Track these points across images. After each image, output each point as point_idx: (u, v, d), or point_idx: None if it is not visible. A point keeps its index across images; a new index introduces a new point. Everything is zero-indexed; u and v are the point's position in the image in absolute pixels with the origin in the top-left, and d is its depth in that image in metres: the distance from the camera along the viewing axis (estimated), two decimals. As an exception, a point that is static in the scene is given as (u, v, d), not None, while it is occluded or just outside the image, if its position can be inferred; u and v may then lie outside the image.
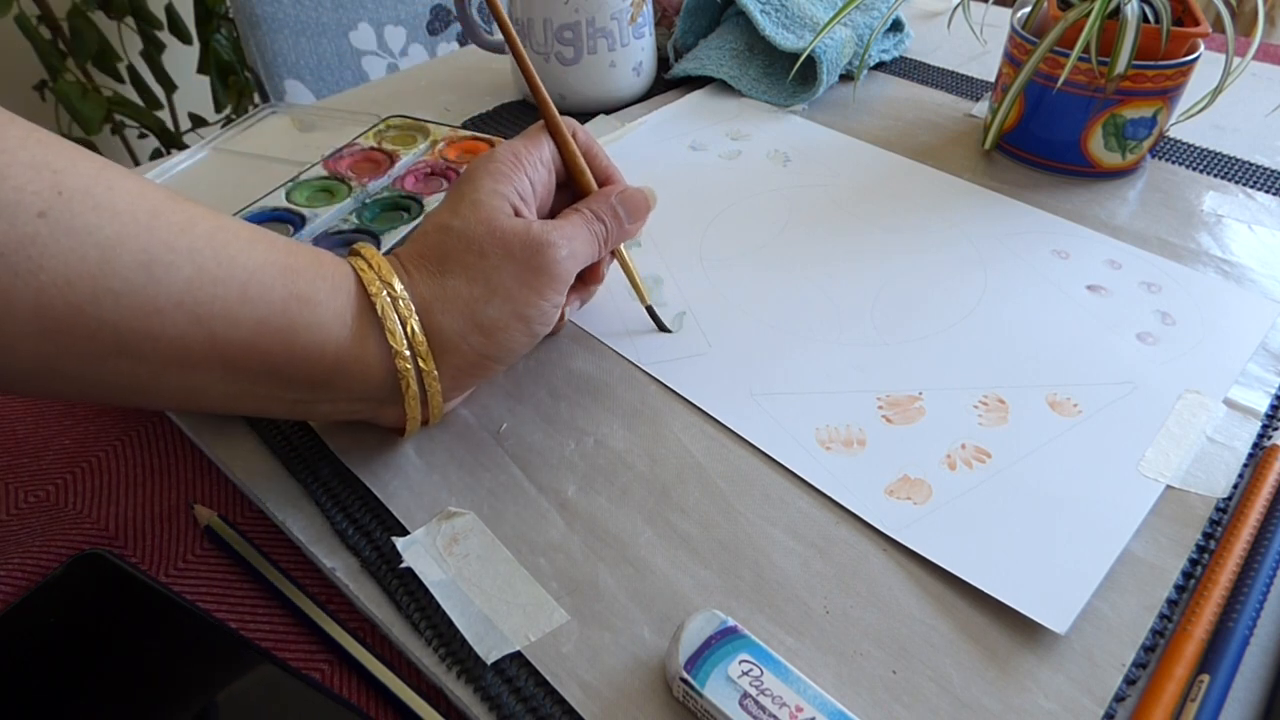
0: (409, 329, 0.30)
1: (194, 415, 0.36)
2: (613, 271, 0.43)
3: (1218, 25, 0.48)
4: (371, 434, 0.35)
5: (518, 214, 0.33)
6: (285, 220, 0.46)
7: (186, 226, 0.27)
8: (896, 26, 0.68)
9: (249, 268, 0.27)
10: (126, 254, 0.25)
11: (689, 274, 0.44)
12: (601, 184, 0.37)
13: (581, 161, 0.37)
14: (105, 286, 0.24)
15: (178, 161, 0.54)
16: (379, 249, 0.44)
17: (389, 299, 0.30)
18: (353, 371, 0.30)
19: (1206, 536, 0.31)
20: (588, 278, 0.38)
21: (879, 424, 0.36)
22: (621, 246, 0.39)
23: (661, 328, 0.41)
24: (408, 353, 0.30)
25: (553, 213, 0.36)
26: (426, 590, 0.29)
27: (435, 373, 0.31)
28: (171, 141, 1.41)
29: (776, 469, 0.34)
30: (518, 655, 0.28)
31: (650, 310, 0.41)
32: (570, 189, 0.37)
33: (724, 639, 0.26)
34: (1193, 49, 0.48)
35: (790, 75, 0.61)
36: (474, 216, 0.32)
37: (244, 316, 0.27)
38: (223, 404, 0.30)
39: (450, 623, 0.28)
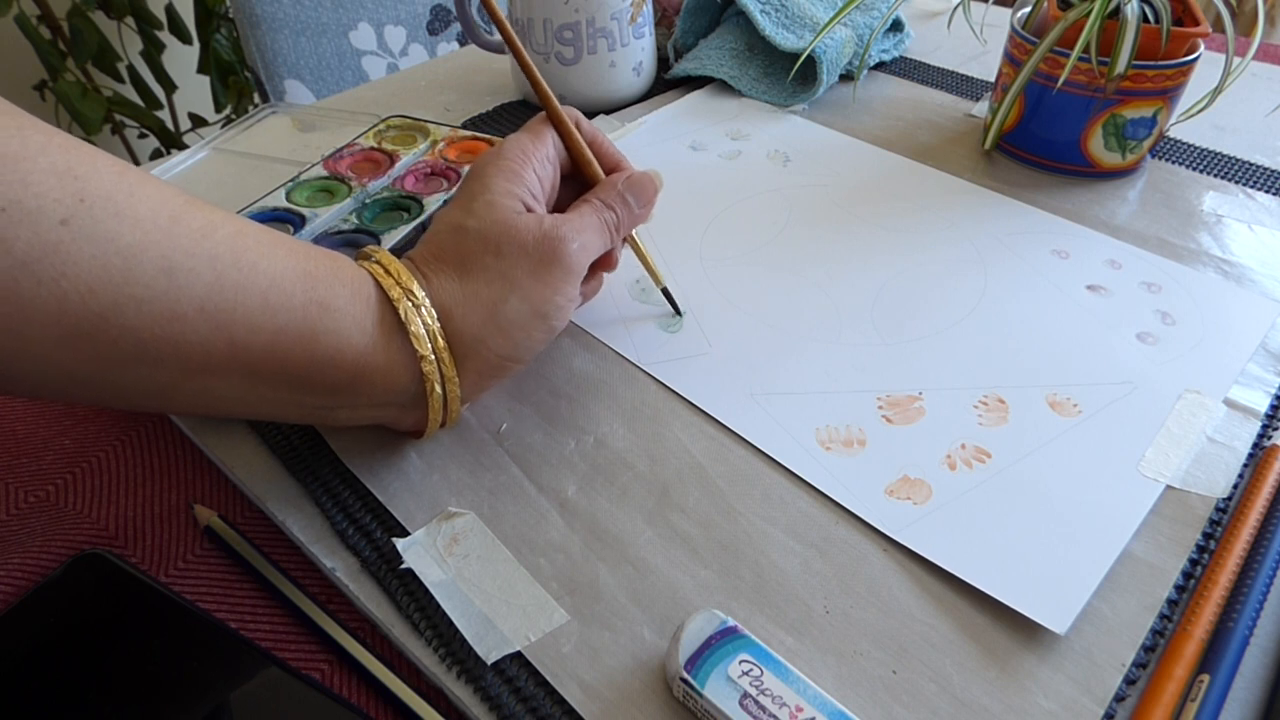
0: (432, 333, 0.30)
1: (195, 415, 0.36)
2: (612, 273, 0.43)
3: (1218, 25, 0.48)
4: (372, 434, 0.35)
5: (529, 210, 0.33)
6: (285, 220, 0.46)
7: (207, 232, 0.27)
8: (896, 26, 0.68)
9: (269, 274, 0.27)
10: (148, 261, 0.25)
11: (689, 274, 0.44)
12: (609, 172, 0.37)
13: (587, 152, 0.37)
14: (127, 293, 0.24)
15: (178, 161, 0.54)
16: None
17: (411, 304, 0.30)
18: (374, 377, 0.30)
19: (1206, 536, 0.31)
20: (600, 266, 0.38)
21: (879, 424, 0.36)
22: (634, 232, 0.39)
23: (676, 310, 0.42)
24: (432, 357, 0.30)
25: (561, 205, 0.36)
26: (426, 590, 0.29)
27: (456, 377, 0.31)
28: (171, 141, 1.41)
29: (776, 469, 0.34)
30: (518, 655, 0.28)
31: (665, 292, 0.41)
32: (577, 180, 0.37)
33: (724, 639, 0.26)
34: (1193, 49, 0.48)
35: (790, 75, 0.61)
36: (489, 217, 0.32)
37: (264, 323, 0.27)
38: (242, 409, 0.30)
39: (450, 623, 0.28)
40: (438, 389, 0.31)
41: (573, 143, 0.36)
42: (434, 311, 0.30)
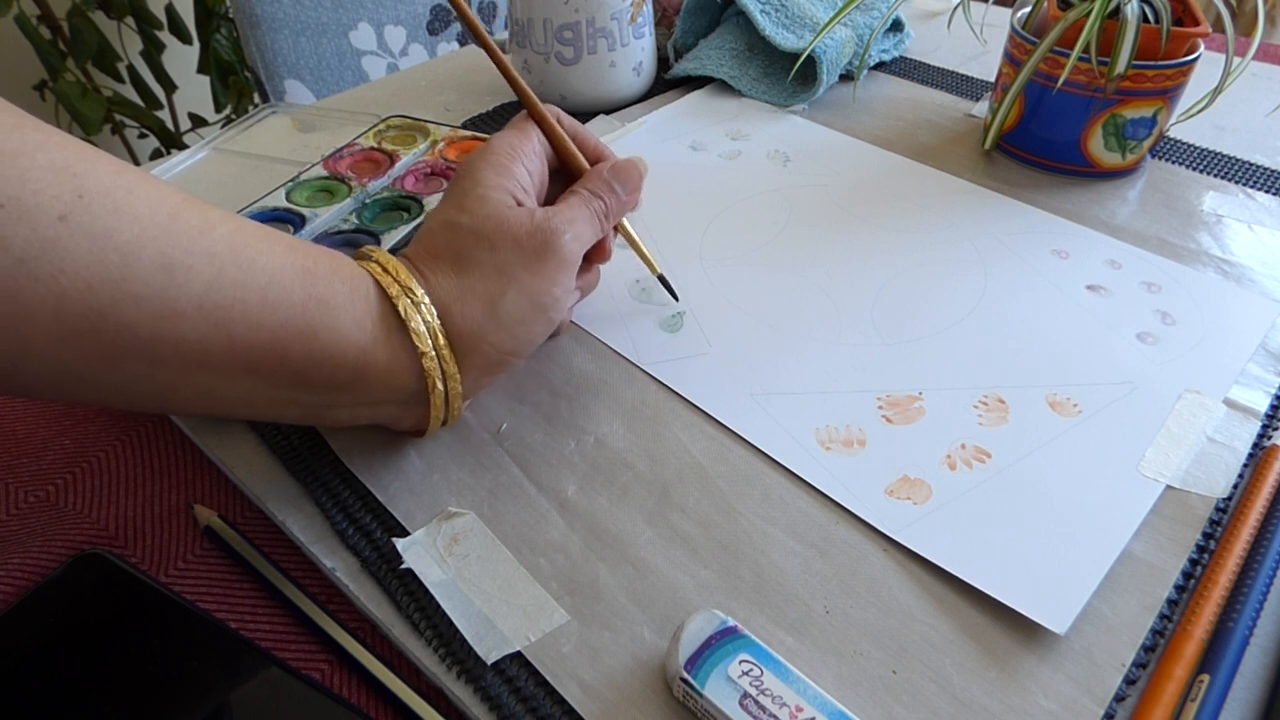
0: (432, 330, 0.30)
1: (196, 415, 0.36)
2: (612, 273, 0.43)
3: (1218, 25, 0.48)
4: (372, 434, 0.35)
5: (519, 204, 0.33)
6: (285, 220, 0.46)
7: (205, 229, 0.27)
8: (896, 26, 0.68)
9: (268, 270, 0.27)
10: (147, 258, 0.25)
11: (689, 274, 0.44)
12: (592, 163, 0.38)
13: (570, 145, 0.37)
14: (126, 291, 0.24)
15: (178, 161, 0.54)
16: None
17: (410, 302, 0.30)
18: (375, 375, 0.30)
19: (1206, 536, 0.31)
20: (594, 257, 0.38)
21: (879, 424, 0.36)
22: (625, 220, 0.39)
23: (673, 295, 0.42)
24: (433, 353, 0.30)
25: (549, 199, 0.37)
26: (426, 590, 0.29)
27: (458, 375, 0.31)
28: (171, 141, 1.41)
29: (776, 469, 0.34)
30: (518, 655, 0.28)
31: (662, 279, 0.41)
32: (564, 174, 0.38)
33: (724, 639, 0.26)
34: (1193, 49, 0.48)
35: (790, 75, 0.61)
36: (481, 211, 0.32)
37: (264, 319, 0.27)
38: (244, 409, 0.30)
39: (450, 623, 0.28)
40: (439, 385, 0.31)
41: (555, 136, 0.37)
42: (434, 309, 0.30)
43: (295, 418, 0.32)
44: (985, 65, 0.68)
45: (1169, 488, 0.33)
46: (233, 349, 0.27)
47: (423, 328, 0.30)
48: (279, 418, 0.32)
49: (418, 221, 0.46)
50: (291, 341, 0.28)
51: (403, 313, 0.30)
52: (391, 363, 0.30)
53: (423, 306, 0.30)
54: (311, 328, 0.28)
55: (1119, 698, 0.27)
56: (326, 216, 0.46)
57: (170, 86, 1.40)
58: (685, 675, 0.25)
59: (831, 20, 0.53)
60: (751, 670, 0.25)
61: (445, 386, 0.31)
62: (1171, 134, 0.57)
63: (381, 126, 0.55)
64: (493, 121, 0.60)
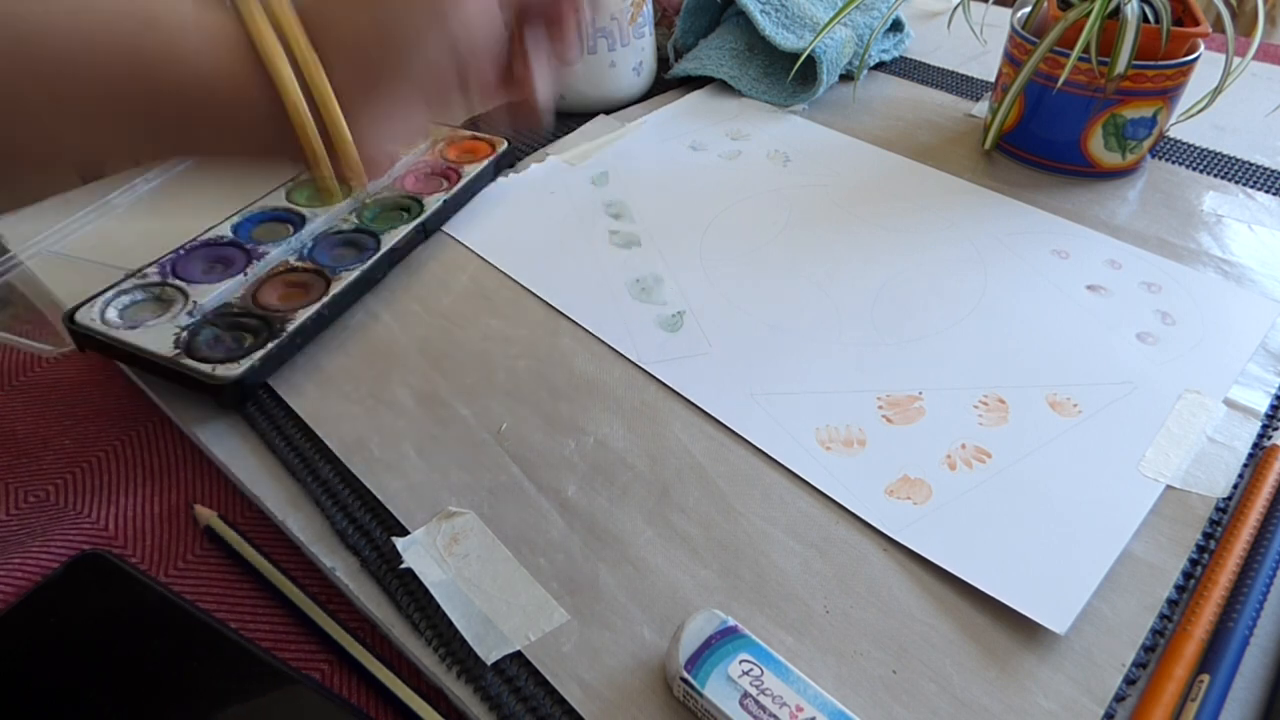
0: (284, 24, 0.25)
1: (193, 415, 0.36)
2: (612, 272, 0.43)
3: (1218, 25, 0.48)
4: (372, 434, 0.35)
5: None
6: (285, 220, 0.46)
7: None
8: (896, 26, 0.68)
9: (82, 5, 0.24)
10: None
11: (689, 274, 0.44)
12: None
13: None
14: None
15: (176, 161, 0.54)
16: (378, 248, 0.44)
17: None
18: (228, 98, 0.26)
19: (1206, 536, 0.31)
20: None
21: (879, 424, 0.36)
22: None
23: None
24: (275, 49, 0.25)
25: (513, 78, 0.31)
26: (426, 590, 0.29)
27: (316, 62, 0.25)
28: (171, 141, 1.41)
29: (776, 469, 0.34)
30: (518, 655, 0.28)
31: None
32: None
33: (724, 639, 0.26)
34: (1193, 49, 0.48)
35: (790, 75, 0.61)
36: None
37: (88, 60, 0.24)
38: (84, 150, 0.26)
39: (450, 623, 0.28)
40: (289, 80, 0.25)
41: None
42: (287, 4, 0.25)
43: (164, 157, 0.28)
44: (985, 65, 0.68)
45: (1169, 488, 0.33)
46: (58, 93, 0.24)
47: (263, 21, 0.25)
48: (151, 160, 0.29)
49: (418, 221, 0.46)
50: (119, 76, 0.24)
51: (242, 10, 0.25)
52: (238, 76, 0.25)
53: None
54: (140, 53, 0.24)
55: (1119, 698, 0.27)
56: (326, 216, 0.46)
57: (170, 86, 1.39)
58: (685, 675, 0.25)
59: (831, 20, 0.53)
60: (751, 670, 0.25)
61: (313, 106, 0.26)
62: (1171, 134, 0.57)
63: (381, 126, 0.55)
64: (493, 121, 0.60)
